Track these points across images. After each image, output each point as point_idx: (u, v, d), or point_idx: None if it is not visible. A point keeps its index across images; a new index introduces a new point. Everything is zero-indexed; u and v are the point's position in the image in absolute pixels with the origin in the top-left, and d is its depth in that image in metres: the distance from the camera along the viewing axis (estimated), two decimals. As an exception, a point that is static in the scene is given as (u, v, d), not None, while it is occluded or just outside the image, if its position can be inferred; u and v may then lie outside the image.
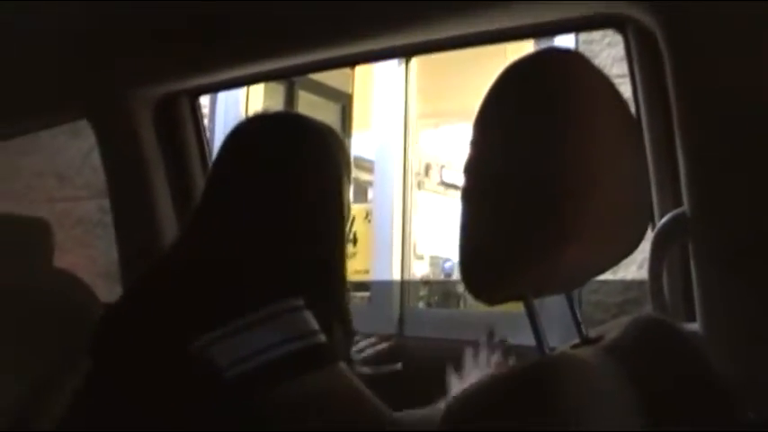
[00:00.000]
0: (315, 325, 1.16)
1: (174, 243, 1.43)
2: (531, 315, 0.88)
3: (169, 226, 1.99)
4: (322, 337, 1.15)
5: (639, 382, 0.92)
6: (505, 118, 0.87)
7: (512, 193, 0.84)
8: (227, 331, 1.12)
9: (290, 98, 4.62)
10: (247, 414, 1.12)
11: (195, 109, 2.06)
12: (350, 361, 1.37)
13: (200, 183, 2.05)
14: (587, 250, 0.88)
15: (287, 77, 4.19)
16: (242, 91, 4.11)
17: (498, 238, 0.85)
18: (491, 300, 0.90)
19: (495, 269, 0.86)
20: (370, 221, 4.00)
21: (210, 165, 1.44)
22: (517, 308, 0.91)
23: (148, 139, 1.97)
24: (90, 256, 3.13)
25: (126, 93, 1.93)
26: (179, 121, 2.03)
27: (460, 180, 0.89)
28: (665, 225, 1.28)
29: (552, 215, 0.82)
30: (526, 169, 0.83)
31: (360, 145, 4.96)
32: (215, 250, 1.23)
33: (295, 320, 1.14)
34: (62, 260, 2.12)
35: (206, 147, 2.10)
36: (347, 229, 1.40)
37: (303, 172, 1.33)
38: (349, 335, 1.38)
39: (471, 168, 0.88)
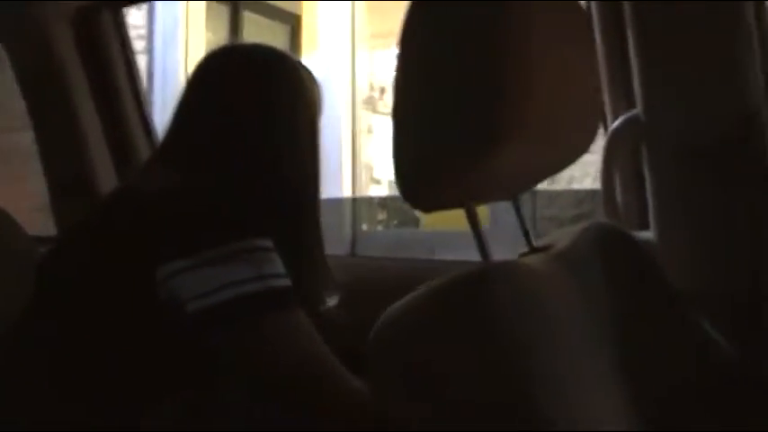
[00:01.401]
0: (280, 268, 1.13)
1: (139, 173, 1.39)
2: (473, 222, 0.83)
3: (100, 154, 1.90)
4: (286, 281, 1.12)
5: (590, 290, 0.89)
6: (433, 21, 0.81)
7: (444, 97, 0.78)
8: (193, 264, 1.09)
9: (235, 20, 4.46)
10: (201, 350, 1.09)
11: (120, 24, 1.93)
12: (320, 313, 1.31)
13: (130, 107, 1.95)
14: (528, 152, 0.82)
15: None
16: (181, 12, 3.96)
17: (432, 144, 0.79)
18: (429, 208, 0.85)
19: (431, 175, 0.81)
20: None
21: (181, 94, 1.37)
22: (461, 227, 0.85)
23: (69, 59, 1.85)
24: (25, 189, 3.02)
25: (38, 4, 1.79)
26: (102, 38, 1.90)
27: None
28: (618, 128, 1.25)
29: (486, 115, 0.76)
30: (457, 69, 0.78)
31: (310, 67, 4.86)
32: (185, 182, 1.19)
33: (261, 260, 1.11)
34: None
35: (134, 67, 1.99)
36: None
37: (277, 109, 1.29)
38: (322, 282, 1.34)
39: (400, 82, 0.81)
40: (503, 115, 0.76)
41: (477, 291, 0.76)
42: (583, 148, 0.93)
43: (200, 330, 1.08)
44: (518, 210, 0.96)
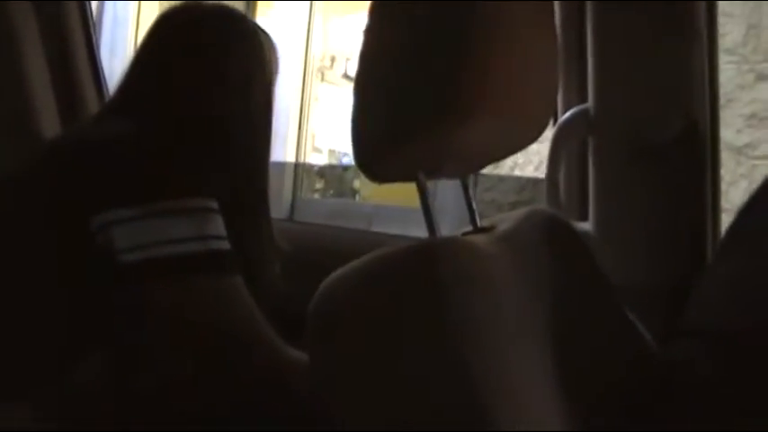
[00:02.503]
0: (222, 230, 1.11)
1: (89, 121, 1.36)
2: (423, 197, 0.83)
3: (44, 97, 1.84)
4: (226, 244, 1.11)
5: (531, 272, 0.90)
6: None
7: (406, 70, 0.78)
8: (132, 215, 1.07)
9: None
10: (132, 302, 1.08)
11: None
12: (261, 279, 1.28)
13: (80, 52, 1.91)
14: (483, 132, 0.83)
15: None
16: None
17: (390, 115, 0.79)
18: (382, 179, 0.85)
19: (387, 146, 0.81)
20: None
21: (137, 48, 1.33)
22: (401, 201, 0.85)
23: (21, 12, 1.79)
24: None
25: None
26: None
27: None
28: (567, 119, 1.28)
29: (446, 91, 0.77)
30: (422, 44, 0.78)
31: (265, 28, 4.77)
32: (134, 133, 1.17)
33: (204, 220, 1.10)
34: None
35: (88, 12, 1.93)
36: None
37: (232, 71, 1.26)
38: (266, 249, 1.31)
39: (366, 54, 0.81)
40: (462, 92, 0.77)
41: (422, 267, 0.76)
42: (535, 134, 0.94)
43: (131, 283, 1.06)
44: (466, 189, 0.96)
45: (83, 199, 1.09)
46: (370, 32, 0.81)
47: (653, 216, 1.25)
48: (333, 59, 5.30)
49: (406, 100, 0.78)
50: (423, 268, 0.76)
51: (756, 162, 2.52)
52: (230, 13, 1.34)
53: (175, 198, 1.09)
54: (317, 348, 0.79)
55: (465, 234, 0.96)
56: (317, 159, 4.97)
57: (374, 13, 0.82)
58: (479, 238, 0.90)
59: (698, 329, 0.99)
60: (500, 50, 0.81)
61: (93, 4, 1.92)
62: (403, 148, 0.80)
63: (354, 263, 0.79)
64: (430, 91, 0.77)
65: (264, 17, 4.56)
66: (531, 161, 2.08)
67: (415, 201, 0.84)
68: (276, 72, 1.34)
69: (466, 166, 0.93)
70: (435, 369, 0.72)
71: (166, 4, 1.35)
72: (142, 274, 1.06)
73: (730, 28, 2.66)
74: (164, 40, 1.29)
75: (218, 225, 1.11)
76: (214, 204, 1.11)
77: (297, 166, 3.39)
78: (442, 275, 0.75)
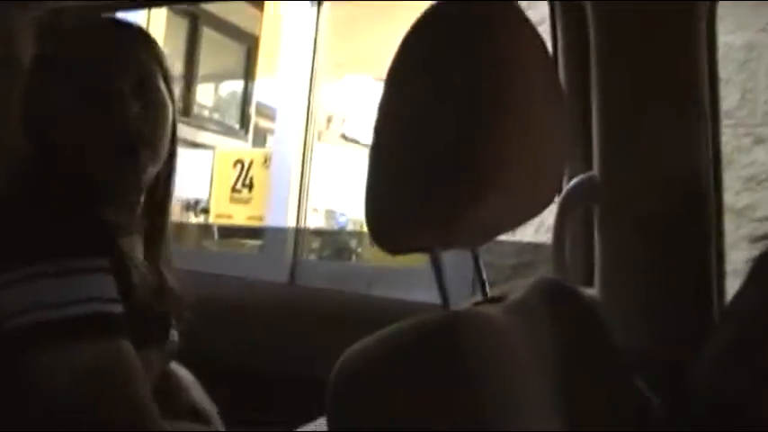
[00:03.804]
0: (112, 292, 1.04)
1: None
2: (437, 268, 0.84)
3: None
4: (113, 308, 1.04)
5: (540, 342, 0.90)
6: (419, 67, 0.82)
7: (423, 146, 0.79)
8: (10, 279, 1.01)
9: (194, 33, 4.45)
10: (18, 371, 1.02)
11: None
12: (163, 344, 1.21)
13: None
14: (496, 203, 0.84)
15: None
16: (142, 23, 3.92)
17: (407, 189, 0.80)
18: (396, 251, 0.85)
19: (402, 220, 0.81)
20: (268, 167, 3.89)
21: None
22: (400, 263, 0.86)
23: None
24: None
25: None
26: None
27: (362, 135, 0.83)
28: (574, 187, 1.28)
29: (465, 167, 0.77)
30: (439, 120, 0.78)
31: (263, 91, 4.83)
32: (16, 184, 1.11)
33: (89, 282, 1.03)
34: None
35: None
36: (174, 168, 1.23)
37: (108, 87, 1.12)
38: (172, 302, 1.22)
39: (381, 125, 0.82)
40: (477, 164, 0.77)
41: (444, 340, 0.76)
42: (545, 203, 0.95)
43: (12, 351, 1.00)
44: (476, 259, 0.97)
45: None
46: (384, 105, 0.83)
47: (658, 282, 1.25)
48: (329, 119, 5.34)
49: (421, 173, 0.79)
50: (445, 340, 0.76)
51: (757, 225, 2.53)
52: (107, 23, 1.23)
53: (58, 258, 1.01)
54: (338, 412, 0.79)
55: (476, 304, 0.96)
56: (314, 219, 4.99)
57: (389, 86, 0.83)
58: (492, 309, 0.90)
59: (702, 398, 0.99)
60: (516, 122, 0.81)
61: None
62: (419, 221, 0.81)
63: (375, 335, 0.79)
64: (445, 164, 0.78)
65: (265, 79, 4.62)
66: (533, 222, 2.08)
67: (414, 261, 0.84)
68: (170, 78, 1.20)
69: (478, 237, 0.94)
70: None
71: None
72: (19, 342, 1.00)
73: (726, 92, 2.71)
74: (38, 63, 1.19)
75: (104, 286, 1.03)
76: (103, 263, 1.04)
77: (298, 230, 3.38)
78: (464, 349, 0.75)
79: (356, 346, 0.78)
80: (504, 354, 0.80)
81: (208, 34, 4.66)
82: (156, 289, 1.17)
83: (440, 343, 0.76)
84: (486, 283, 0.97)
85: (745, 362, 0.93)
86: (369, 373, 0.78)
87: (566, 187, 1.30)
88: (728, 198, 2.59)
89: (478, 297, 0.99)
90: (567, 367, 0.92)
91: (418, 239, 0.83)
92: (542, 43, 0.89)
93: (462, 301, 1.01)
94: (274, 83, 4.15)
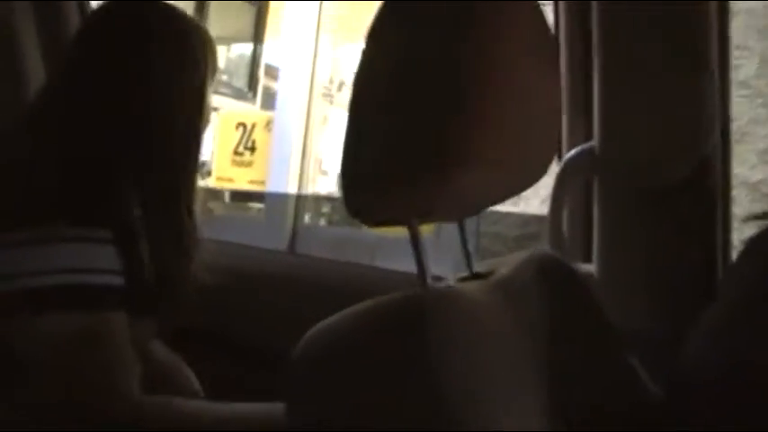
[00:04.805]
0: (105, 263, 1.04)
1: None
2: (415, 242, 0.80)
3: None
4: (101, 279, 1.04)
5: (527, 322, 0.87)
6: (403, 24, 0.77)
7: (402, 109, 0.75)
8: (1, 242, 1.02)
9: (203, -4, 4.41)
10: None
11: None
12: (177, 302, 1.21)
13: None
14: (481, 177, 0.80)
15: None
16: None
17: (382, 156, 0.76)
18: (371, 223, 0.82)
19: (377, 190, 0.78)
20: (270, 130, 3.84)
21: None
22: (404, 232, 0.82)
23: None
24: None
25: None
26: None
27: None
28: (572, 158, 1.24)
29: (443, 135, 0.74)
30: (420, 84, 0.74)
31: (272, 52, 4.79)
32: (42, 148, 1.11)
33: (81, 252, 1.04)
34: None
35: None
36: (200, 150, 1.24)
37: (153, 79, 1.17)
38: (185, 271, 1.21)
39: (361, 79, 0.78)
40: (460, 137, 0.74)
41: (405, 323, 0.74)
42: (537, 176, 0.91)
43: None
44: (462, 231, 0.93)
45: None
46: (361, 73, 0.78)
47: (660, 257, 1.22)
48: (341, 84, 5.30)
49: (397, 143, 0.75)
50: (409, 325, 0.73)
51: (771, 199, 2.49)
52: (156, 15, 1.23)
53: (37, 226, 1.02)
54: (299, 393, 0.77)
55: (461, 279, 0.93)
56: (325, 183, 4.98)
57: (366, 50, 0.78)
58: (473, 286, 0.87)
59: (699, 378, 0.96)
60: (501, 91, 0.78)
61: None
62: (395, 193, 0.77)
63: (339, 315, 0.76)
64: (423, 134, 0.74)
65: (272, 41, 4.58)
66: (538, 194, 2.04)
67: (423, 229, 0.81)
68: (212, 72, 1.24)
69: (461, 210, 0.90)
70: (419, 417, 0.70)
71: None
72: (3, 307, 1.01)
73: (743, 60, 2.64)
74: (86, 43, 1.22)
75: (98, 256, 1.04)
76: (105, 234, 1.04)
77: (299, 196, 3.35)
78: (426, 332, 0.72)
79: (319, 326, 0.76)
80: (473, 336, 0.77)
81: (218, -5, 4.62)
82: (169, 262, 1.16)
83: (401, 327, 0.73)
84: (472, 257, 0.94)
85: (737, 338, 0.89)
86: (328, 356, 0.75)
87: (564, 158, 1.26)
88: (743, 172, 2.54)
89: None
90: (556, 348, 0.89)
91: (394, 212, 0.80)
92: (536, 8, 0.84)
93: (451, 275, 0.99)
94: (280, 44, 4.11)
